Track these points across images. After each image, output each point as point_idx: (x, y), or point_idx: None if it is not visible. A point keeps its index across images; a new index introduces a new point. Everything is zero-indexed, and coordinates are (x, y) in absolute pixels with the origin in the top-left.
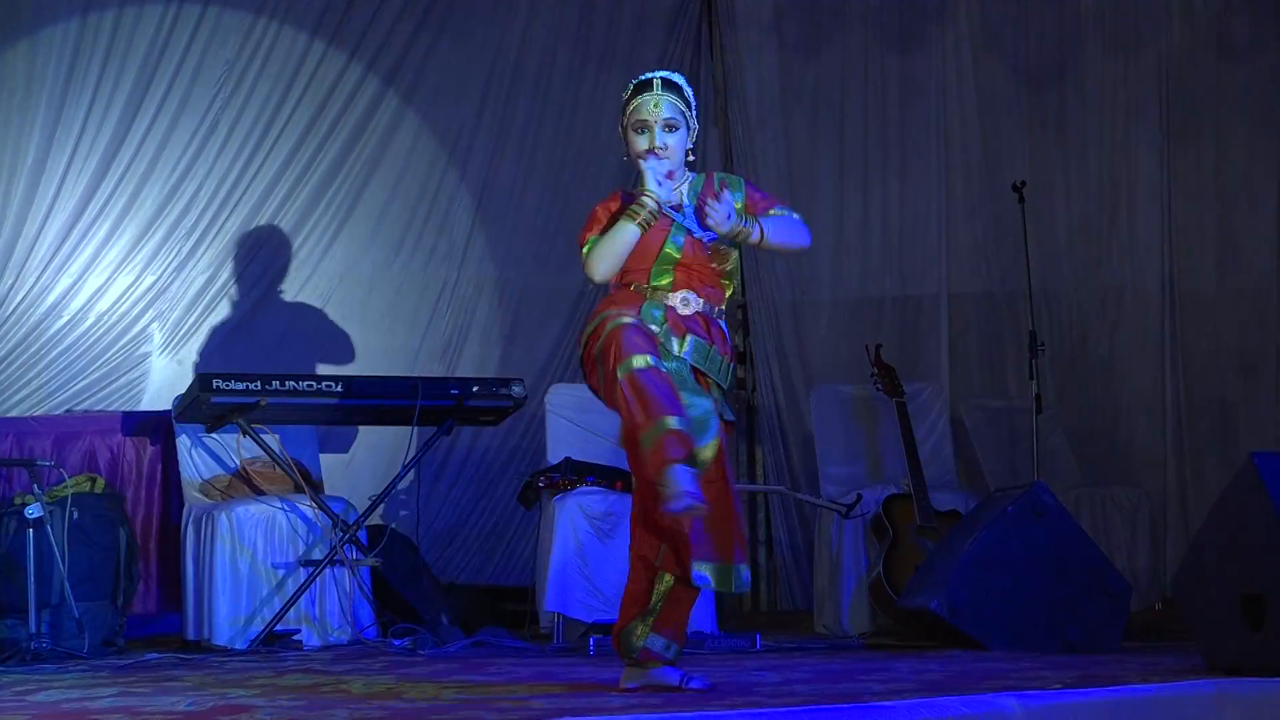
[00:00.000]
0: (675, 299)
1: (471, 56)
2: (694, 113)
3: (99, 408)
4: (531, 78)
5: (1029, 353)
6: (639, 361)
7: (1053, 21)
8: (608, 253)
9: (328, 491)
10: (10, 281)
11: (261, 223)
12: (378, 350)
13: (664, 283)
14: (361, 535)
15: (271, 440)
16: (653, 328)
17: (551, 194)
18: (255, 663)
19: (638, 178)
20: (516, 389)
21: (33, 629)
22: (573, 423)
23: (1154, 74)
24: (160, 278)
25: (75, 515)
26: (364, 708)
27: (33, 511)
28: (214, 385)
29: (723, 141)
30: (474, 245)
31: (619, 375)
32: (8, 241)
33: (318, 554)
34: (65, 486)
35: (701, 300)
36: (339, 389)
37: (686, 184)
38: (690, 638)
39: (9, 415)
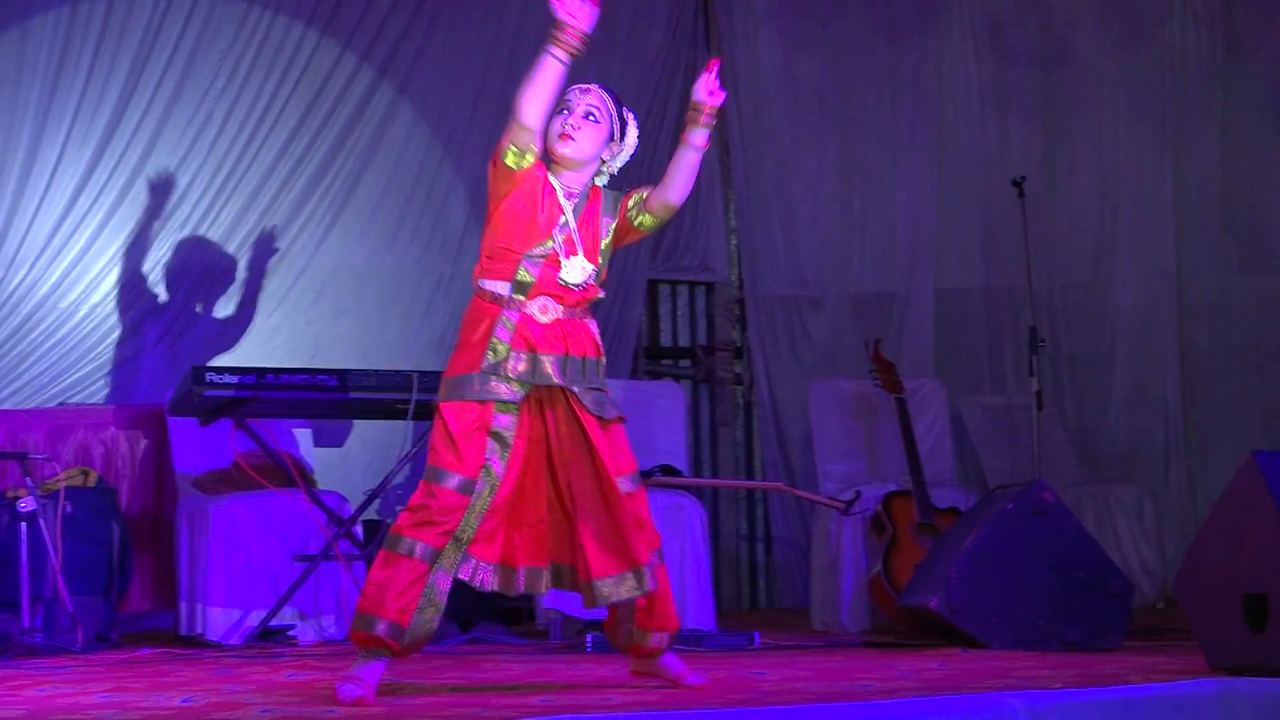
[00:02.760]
0: (533, 307)
1: (466, 48)
2: (624, 131)
3: (92, 400)
4: (526, 70)
5: (1029, 349)
6: (451, 482)
7: (1055, 13)
8: (536, 90)
9: (322, 485)
10: (1, 274)
11: (255, 215)
12: (372, 343)
13: (528, 280)
14: (356, 530)
15: (266, 434)
16: (489, 358)
17: None
18: (250, 658)
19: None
20: None
21: (26, 623)
22: None
23: (1157, 66)
24: (154, 269)
25: (68, 509)
26: (367, 703)
27: (25, 505)
28: (208, 379)
29: (719, 135)
30: (470, 238)
31: (425, 475)
32: None
33: (312, 549)
34: (58, 480)
35: (561, 307)
36: (334, 382)
37: (584, 190)
38: (687, 636)
39: (1, 408)
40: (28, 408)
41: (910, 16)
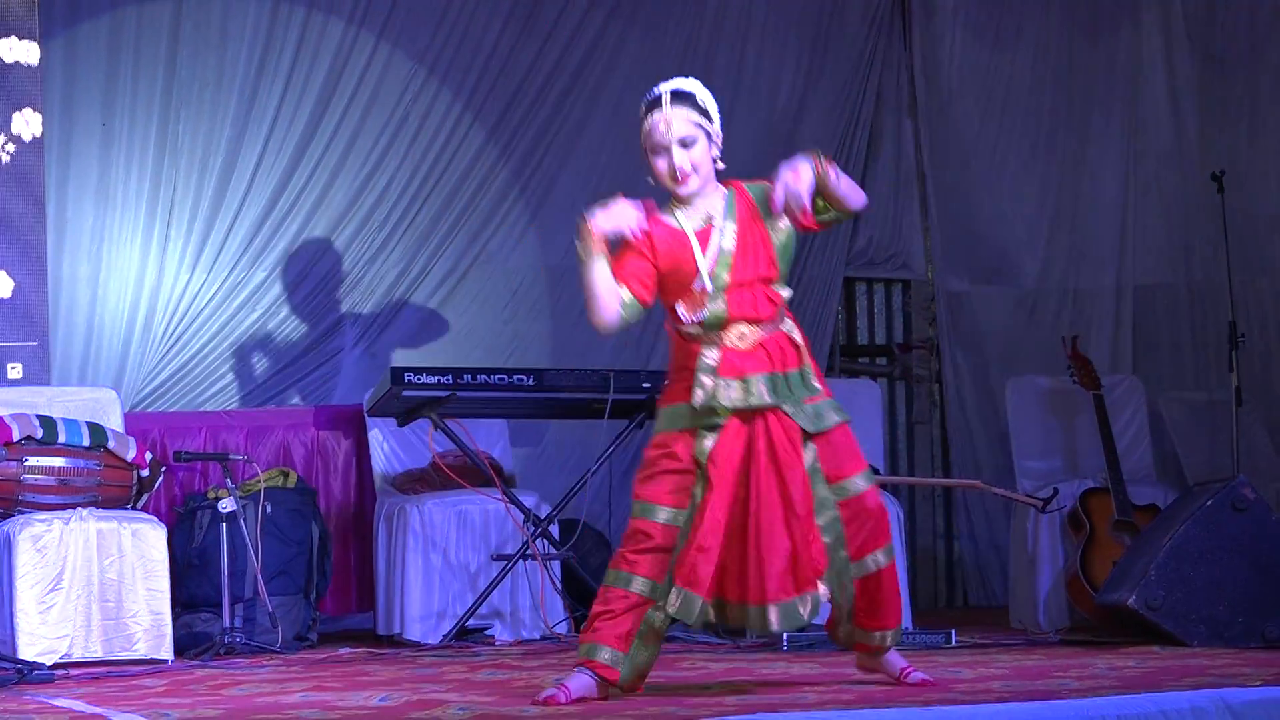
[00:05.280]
0: (730, 336)
1: (662, 47)
2: (712, 119)
3: (292, 401)
4: (723, 69)
5: (1229, 344)
6: (662, 516)
7: (1248, 7)
8: (587, 299)
9: (519, 485)
10: (204, 277)
11: (452, 216)
12: (568, 343)
13: (718, 315)
14: (553, 529)
15: (463, 434)
16: (699, 393)
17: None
18: (448, 658)
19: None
20: None
21: (226, 623)
22: None
23: None
24: (353, 271)
25: (268, 509)
26: (557, 703)
27: (226, 506)
28: (406, 379)
29: (915, 131)
30: None
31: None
32: (200, 237)
33: (510, 548)
34: (258, 481)
35: (757, 328)
36: (530, 382)
37: (721, 198)
38: None
39: (203, 410)
40: (228, 409)
41: (1106, 11)
